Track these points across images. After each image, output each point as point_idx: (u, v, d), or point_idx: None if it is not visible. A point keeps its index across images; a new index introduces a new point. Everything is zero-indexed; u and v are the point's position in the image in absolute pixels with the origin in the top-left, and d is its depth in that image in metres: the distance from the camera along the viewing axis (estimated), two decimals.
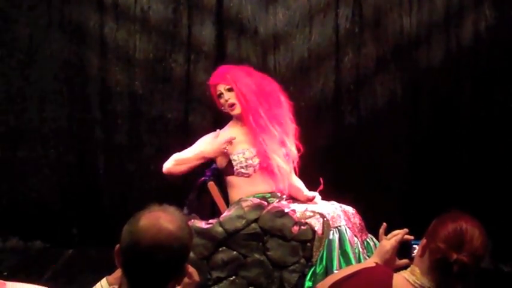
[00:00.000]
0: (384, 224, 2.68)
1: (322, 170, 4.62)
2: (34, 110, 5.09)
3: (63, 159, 5.13)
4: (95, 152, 5.13)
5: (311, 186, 4.12)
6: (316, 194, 4.06)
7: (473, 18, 4.97)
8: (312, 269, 3.71)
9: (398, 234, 2.54)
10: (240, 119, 4.08)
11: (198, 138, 4.98)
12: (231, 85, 4.03)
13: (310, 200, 4.04)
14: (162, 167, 4.67)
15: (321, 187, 4.05)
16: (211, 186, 4.03)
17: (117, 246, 1.95)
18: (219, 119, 4.95)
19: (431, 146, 5.08)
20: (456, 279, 2.20)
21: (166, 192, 4.95)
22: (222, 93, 4.05)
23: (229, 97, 4.03)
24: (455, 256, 2.17)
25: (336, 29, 5.04)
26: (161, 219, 1.92)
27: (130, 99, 5.07)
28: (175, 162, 4.00)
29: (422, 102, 5.10)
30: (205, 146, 4.04)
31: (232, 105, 4.03)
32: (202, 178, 4.13)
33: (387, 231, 2.64)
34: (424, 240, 2.31)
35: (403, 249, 2.53)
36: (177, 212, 1.98)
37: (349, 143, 5.11)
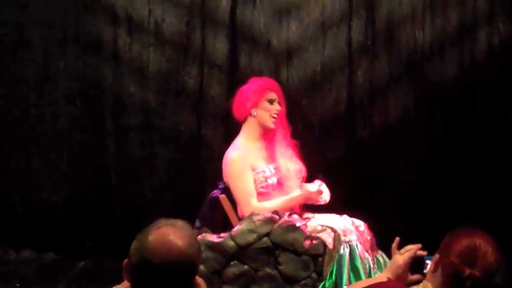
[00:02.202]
0: (397, 238, 2.68)
1: (333, 183, 4.62)
2: (48, 122, 5.12)
3: (76, 171, 5.15)
4: (108, 164, 5.14)
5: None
6: (318, 182, 4.02)
7: (486, 32, 4.96)
8: (322, 284, 3.71)
9: (411, 249, 2.54)
10: (264, 131, 4.05)
11: (211, 151, 5.04)
12: (281, 100, 4.07)
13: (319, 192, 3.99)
14: (173, 178, 4.74)
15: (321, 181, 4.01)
16: (224, 199, 4.03)
17: (126, 260, 1.95)
18: (231, 133, 4.97)
19: (444, 160, 5.05)
20: None
21: (178, 205, 5.00)
22: (275, 100, 4.04)
23: (279, 108, 4.03)
24: (468, 271, 2.18)
25: (349, 42, 5.04)
26: (171, 235, 1.91)
27: (143, 112, 5.09)
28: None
29: (435, 116, 5.08)
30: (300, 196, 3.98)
31: (276, 116, 4.02)
32: (215, 191, 4.13)
33: (400, 246, 2.63)
34: (437, 256, 2.31)
35: (415, 265, 2.52)
36: (185, 227, 1.97)
37: (362, 156, 5.10)
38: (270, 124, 4.04)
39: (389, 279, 2.48)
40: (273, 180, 4.01)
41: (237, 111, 4.12)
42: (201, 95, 5.07)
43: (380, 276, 2.65)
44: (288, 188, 4.08)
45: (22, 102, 5.12)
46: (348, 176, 5.05)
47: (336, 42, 5.05)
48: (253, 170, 3.99)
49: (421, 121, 5.08)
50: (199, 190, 4.81)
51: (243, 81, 4.95)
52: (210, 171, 4.97)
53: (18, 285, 4.57)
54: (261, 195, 4.01)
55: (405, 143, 5.08)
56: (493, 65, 4.98)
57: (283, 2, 5.01)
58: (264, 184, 4.00)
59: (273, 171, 4.03)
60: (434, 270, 2.29)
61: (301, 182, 4.13)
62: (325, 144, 5.00)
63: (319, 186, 3.99)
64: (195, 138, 5.10)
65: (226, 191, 4.09)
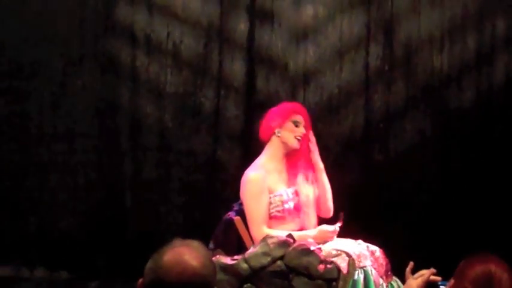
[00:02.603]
0: (411, 263, 2.66)
1: (349, 208, 4.60)
2: (64, 141, 5.14)
3: (91, 191, 5.16)
4: (123, 184, 5.15)
5: (335, 222, 4.08)
6: (337, 228, 4.00)
7: (504, 58, 4.95)
8: None
9: (425, 274, 2.51)
10: (287, 153, 4.05)
11: (226, 173, 5.04)
12: (307, 125, 4.04)
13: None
14: (188, 200, 4.74)
15: (341, 222, 4.00)
16: (238, 221, 4.01)
17: (140, 280, 1.94)
18: (247, 155, 4.98)
19: (461, 186, 5.02)
20: None
21: (192, 227, 5.00)
22: (301, 123, 4.03)
23: (304, 131, 4.02)
24: None
25: (366, 67, 5.05)
26: (185, 255, 1.91)
27: (160, 133, 5.10)
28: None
29: (452, 142, 5.06)
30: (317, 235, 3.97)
31: (301, 139, 4.02)
32: (229, 213, 4.12)
33: (415, 271, 2.61)
34: (451, 281, 2.29)
35: None
36: (201, 248, 1.96)
37: (378, 181, 5.08)
38: (295, 144, 4.02)
39: None
40: (290, 205, 3.98)
41: (262, 131, 4.10)
42: (217, 116, 5.09)
43: None
44: (304, 215, 4.05)
45: (38, 121, 5.15)
46: (363, 200, 5.02)
47: (353, 66, 5.05)
48: (270, 192, 3.96)
49: (437, 146, 5.06)
50: (214, 212, 4.80)
51: (260, 104, 4.99)
52: (225, 193, 4.98)
53: None
54: (276, 219, 3.98)
55: (421, 168, 5.06)
56: (511, 91, 4.95)
57: (301, 25, 5.03)
58: (280, 208, 3.97)
59: (291, 195, 4.00)
60: None
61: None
62: (341, 169, 4.98)
63: (338, 227, 3.98)
64: (210, 160, 5.11)
65: (241, 213, 4.07)
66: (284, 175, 4.05)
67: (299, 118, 4.02)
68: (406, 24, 4.99)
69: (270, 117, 4.05)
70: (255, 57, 5.06)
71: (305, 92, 5.05)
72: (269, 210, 3.95)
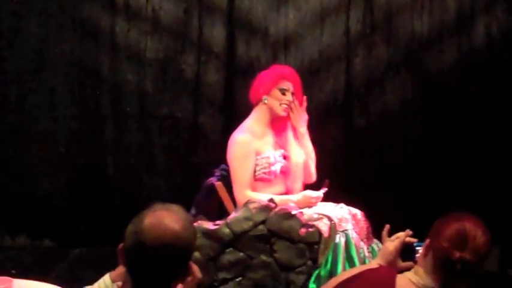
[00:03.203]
0: (387, 225, 2.69)
1: (331, 172, 4.62)
2: (45, 109, 5.11)
3: (72, 158, 5.15)
4: (105, 151, 5.14)
5: (318, 188, 4.10)
6: (320, 194, 4.03)
7: (485, 20, 4.95)
8: (317, 272, 3.71)
9: (401, 236, 2.54)
10: (273, 119, 4.04)
11: (208, 139, 5.05)
12: (297, 91, 4.03)
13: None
14: (170, 165, 4.74)
15: (325, 188, 4.02)
16: (219, 186, 4.02)
17: (121, 244, 1.95)
18: (228, 120, 4.98)
19: (441, 149, 5.06)
20: (460, 278, 2.22)
21: (174, 192, 5.01)
22: (288, 90, 4.01)
23: (291, 98, 4.00)
24: (458, 254, 2.19)
25: (347, 31, 5.03)
26: (165, 219, 1.92)
27: (141, 99, 5.08)
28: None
29: (432, 105, 5.08)
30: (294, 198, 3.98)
31: (287, 106, 4.00)
32: (211, 178, 4.12)
33: (391, 233, 2.64)
34: (427, 240, 2.32)
35: (406, 252, 2.53)
36: (181, 211, 1.98)
37: (359, 145, 5.11)
38: (280, 112, 4.01)
39: (380, 265, 2.49)
40: (277, 167, 3.99)
41: (251, 95, 4.09)
42: (198, 82, 5.07)
43: (371, 263, 2.67)
44: (291, 179, 4.07)
45: (18, 90, 5.11)
46: (344, 164, 5.05)
47: (334, 30, 5.04)
48: (258, 154, 3.96)
49: (418, 109, 5.08)
50: (196, 177, 4.80)
51: (241, 69, 4.98)
52: (207, 158, 4.98)
53: (13, 271, 4.56)
54: (262, 181, 3.99)
55: (402, 131, 5.08)
56: (492, 53, 4.98)
57: None
58: (267, 170, 3.97)
59: (279, 158, 4.00)
60: (425, 254, 2.30)
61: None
62: (322, 133, 4.98)
63: (322, 193, 4.00)
64: (191, 126, 5.10)
65: (223, 178, 4.09)
66: (271, 138, 4.05)
67: (287, 85, 4.00)
68: None
69: (259, 83, 4.03)
70: (235, 22, 5.03)
71: (286, 57, 5.03)
72: (255, 171, 3.95)
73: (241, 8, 5.01)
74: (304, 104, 4.08)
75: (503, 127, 5.00)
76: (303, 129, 4.11)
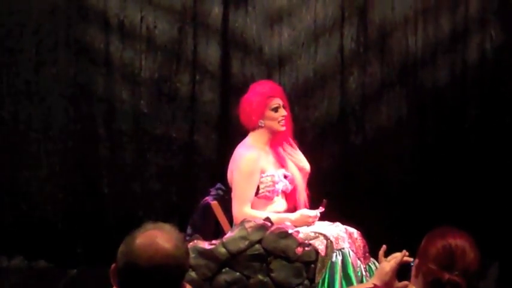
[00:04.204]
0: (384, 246, 2.68)
1: (327, 190, 4.62)
2: (40, 129, 5.10)
3: (68, 178, 5.13)
4: (100, 170, 5.13)
5: (316, 207, 4.09)
6: (317, 213, 4.02)
7: (478, 38, 4.97)
8: None
9: (398, 256, 2.53)
10: (272, 136, 4.05)
11: (203, 158, 5.04)
12: (285, 104, 4.06)
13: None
14: (165, 185, 4.73)
15: (323, 208, 4.01)
16: (215, 205, 4.02)
17: (113, 265, 1.94)
18: (223, 139, 4.98)
19: (437, 166, 5.05)
20: None
21: (170, 212, 4.99)
22: (279, 107, 4.02)
23: (285, 113, 4.02)
24: (447, 276, 2.15)
25: (341, 49, 5.04)
26: (157, 238, 1.91)
27: (135, 118, 5.08)
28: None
29: (428, 122, 5.09)
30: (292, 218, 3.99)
31: (285, 121, 4.02)
32: (207, 198, 4.12)
33: (388, 251, 2.63)
34: (416, 260, 2.29)
35: (402, 271, 2.52)
36: (172, 230, 1.97)
37: (354, 163, 5.10)
38: (280, 128, 4.03)
39: (375, 285, 2.48)
40: (280, 186, 4.00)
41: (245, 122, 4.09)
42: (193, 101, 5.07)
43: (367, 283, 2.66)
44: (292, 197, 4.09)
45: (13, 109, 5.10)
46: (340, 182, 5.05)
47: (328, 49, 5.05)
48: (263, 172, 3.97)
49: (413, 127, 5.08)
50: (191, 197, 4.80)
51: (236, 88, 4.98)
52: (202, 177, 4.98)
53: None
54: (265, 199, 3.99)
55: (398, 149, 5.08)
56: (485, 71, 4.99)
57: (275, 8, 5.01)
58: (271, 189, 3.98)
59: (281, 177, 4.02)
60: (415, 275, 2.28)
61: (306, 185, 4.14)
62: (318, 152, 4.98)
63: (319, 213, 4.00)
64: (187, 145, 5.09)
65: (218, 197, 4.08)
66: (272, 157, 4.06)
67: (276, 101, 4.02)
68: (380, 6, 4.99)
69: (249, 109, 4.02)
70: (229, 41, 5.03)
71: (280, 76, 5.03)
72: (259, 189, 3.96)
73: (236, 27, 5.02)
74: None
75: (498, 143, 5.00)
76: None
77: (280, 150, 4.08)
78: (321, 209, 4.01)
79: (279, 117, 4.00)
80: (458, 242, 2.17)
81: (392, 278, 2.51)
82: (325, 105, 5.08)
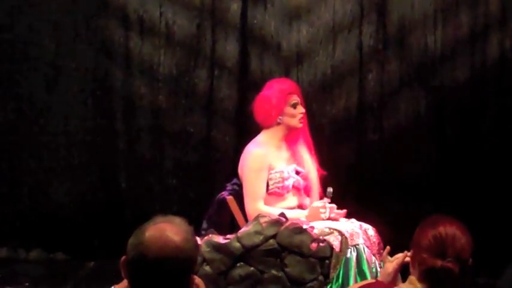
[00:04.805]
0: (388, 247, 2.74)
1: (344, 187, 4.62)
2: (59, 122, 5.15)
3: (86, 172, 5.18)
4: (118, 164, 5.17)
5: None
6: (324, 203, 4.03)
7: (498, 36, 4.93)
8: (328, 287, 3.70)
9: (400, 257, 2.56)
10: (288, 133, 4.06)
11: (220, 153, 5.06)
12: (302, 101, 4.06)
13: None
14: (182, 180, 4.75)
15: (328, 198, 4.01)
16: (231, 200, 4.03)
17: (123, 257, 1.95)
18: (241, 134, 4.99)
19: (456, 164, 5.03)
20: (447, 285, 2.25)
21: (187, 206, 5.01)
22: (298, 103, 4.03)
23: (303, 110, 4.03)
24: (440, 263, 2.21)
25: (360, 46, 5.03)
26: (167, 231, 1.92)
27: (154, 114, 5.11)
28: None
29: (447, 120, 5.06)
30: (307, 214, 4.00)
31: (302, 117, 4.03)
32: (222, 193, 4.13)
33: (403, 250, 2.64)
34: (411, 252, 2.36)
35: (406, 271, 2.53)
36: (182, 223, 1.97)
37: (372, 160, 5.09)
38: (298, 125, 4.03)
39: (377, 280, 2.52)
40: (290, 182, 4.00)
41: (262, 119, 4.07)
42: (211, 97, 5.09)
43: (371, 280, 2.71)
44: (304, 194, 4.09)
45: (33, 103, 5.15)
46: (357, 179, 5.04)
47: (347, 46, 5.04)
48: (271, 168, 3.97)
49: (431, 125, 5.06)
50: (208, 192, 4.82)
51: (253, 84, 4.99)
52: (219, 173, 5.00)
53: (27, 284, 4.59)
54: (276, 195, 3.99)
55: (416, 147, 5.07)
56: (505, 69, 4.95)
57: (294, 5, 5.02)
58: (280, 185, 3.98)
59: (292, 173, 4.02)
60: (412, 266, 2.33)
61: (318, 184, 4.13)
62: (336, 148, 4.99)
63: (325, 202, 4.00)
64: (204, 140, 5.11)
65: (234, 192, 4.09)
66: (285, 153, 4.06)
67: (295, 98, 4.03)
68: (399, 2, 4.97)
69: (268, 105, 4.01)
70: (248, 37, 5.05)
71: (298, 72, 5.04)
72: (269, 186, 3.96)
73: (254, 23, 5.04)
74: None
75: None
76: None
77: (296, 146, 4.08)
78: (327, 199, 4.00)
79: (298, 114, 4.01)
80: (448, 229, 2.23)
81: (395, 278, 2.55)
82: (343, 102, 5.07)
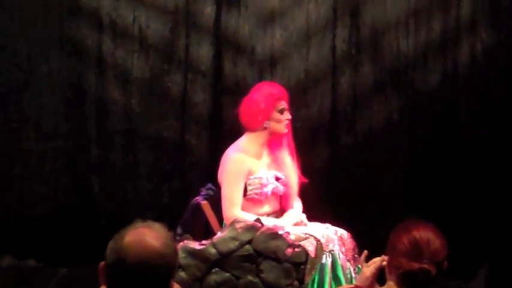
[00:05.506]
0: (365, 251, 2.77)
1: (317, 191, 4.63)
2: (31, 128, 5.09)
3: (58, 177, 5.13)
4: (91, 169, 5.13)
5: (305, 208, 4.11)
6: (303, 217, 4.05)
7: (469, 40, 4.98)
8: None
9: (377, 261, 2.57)
10: (271, 138, 4.04)
11: (194, 158, 5.04)
12: (288, 107, 4.07)
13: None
14: (156, 184, 4.72)
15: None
16: (205, 205, 4.02)
17: (102, 263, 1.94)
18: (214, 139, 4.98)
19: (428, 167, 5.06)
20: (425, 287, 2.29)
21: (160, 211, 4.98)
22: (285, 109, 4.02)
23: (289, 116, 4.03)
24: (417, 266, 2.26)
25: (333, 50, 5.04)
26: (146, 236, 1.91)
27: (127, 118, 5.07)
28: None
29: (419, 124, 5.09)
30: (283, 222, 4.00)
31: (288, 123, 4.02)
32: (197, 197, 4.12)
33: (379, 254, 2.65)
34: (387, 257, 2.41)
35: (383, 275, 2.54)
36: (162, 229, 1.97)
37: (346, 164, 5.10)
38: (283, 130, 4.05)
39: (356, 286, 2.55)
40: (268, 188, 3.99)
41: (247, 122, 4.05)
42: (184, 101, 5.07)
43: (349, 285, 2.73)
44: (284, 201, 4.12)
45: (4, 107, 5.09)
46: (331, 183, 5.05)
47: (320, 49, 5.05)
48: (251, 174, 3.96)
49: (405, 128, 5.08)
50: (182, 197, 4.80)
51: (227, 88, 4.98)
52: (193, 177, 4.98)
53: None
54: (253, 201, 3.99)
55: (389, 149, 5.09)
56: (477, 72, 5.00)
57: (268, 9, 5.01)
58: (259, 191, 3.97)
59: (271, 179, 4.01)
60: (389, 272, 2.38)
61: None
62: (309, 152, 4.99)
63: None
64: (178, 145, 5.09)
65: (209, 197, 4.08)
66: (266, 158, 4.06)
67: (283, 104, 4.03)
68: (372, 7, 4.99)
69: (255, 109, 3.99)
70: (222, 41, 5.03)
71: (272, 76, 5.03)
72: (247, 191, 3.96)
73: (228, 27, 5.02)
74: None
75: (490, 144, 5.01)
76: None
77: (278, 151, 4.07)
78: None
79: (284, 120, 4.01)
80: (422, 233, 2.30)
81: (373, 282, 2.58)
82: (317, 105, 5.08)
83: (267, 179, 3.98)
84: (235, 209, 3.91)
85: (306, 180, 4.21)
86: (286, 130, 4.04)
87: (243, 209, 3.95)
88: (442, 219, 4.74)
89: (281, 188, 4.05)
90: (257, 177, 3.96)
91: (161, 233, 1.95)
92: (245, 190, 3.95)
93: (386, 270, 2.40)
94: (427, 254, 2.26)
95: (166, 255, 1.92)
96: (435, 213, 4.84)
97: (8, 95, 5.08)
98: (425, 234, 2.29)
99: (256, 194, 3.96)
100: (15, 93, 5.07)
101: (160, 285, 1.93)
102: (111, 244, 1.93)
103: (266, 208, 4.02)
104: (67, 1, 5.00)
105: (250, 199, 3.97)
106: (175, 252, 1.98)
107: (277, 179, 4.04)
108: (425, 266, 2.24)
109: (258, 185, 3.96)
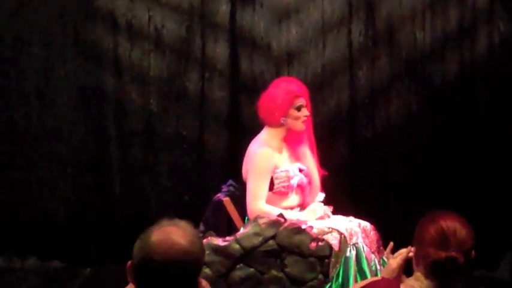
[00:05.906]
0: (391, 243, 2.77)
1: (338, 185, 4.63)
2: (50, 130, 5.12)
3: (79, 178, 5.15)
4: (111, 170, 5.15)
5: (328, 201, 4.11)
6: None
7: (486, 30, 4.96)
8: (328, 286, 3.72)
9: (404, 252, 2.57)
10: (289, 133, 4.05)
11: (213, 155, 5.05)
12: (308, 103, 4.05)
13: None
14: (176, 183, 4.72)
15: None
16: (227, 202, 4.03)
17: (129, 262, 1.95)
18: (233, 136, 4.99)
19: (447, 159, 5.05)
20: (453, 276, 2.29)
21: (182, 210, 5.00)
22: (303, 106, 4.02)
23: (307, 113, 4.03)
24: (444, 255, 2.25)
25: (349, 44, 5.04)
26: (173, 234, 1.92)
27: (145, 118, 5.09)
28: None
29: (437, 115, 5.08)
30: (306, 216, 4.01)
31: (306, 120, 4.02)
32: (218, 194, 4.13)
33: (401, 245, 2.65)
34: (414, 248, 2.40)
35: (410, 267, 2.54)
36: (188, 227, 1.98)
37: (365, 157, 5.10)
38: (301, 127, 4.04)
39: (383, 277, 2.54)
40: (295, 181, 4.01)
41: (265, 118, 4.06)
42: (202, 99, 5.07)
43: (375, 278, 2.73)
44: (307, 193, 4.11)
45: (24, 112, 5.12)
46: (352, 177, 5.05)
47: (336, 44, 5.05)
48: (277, 168, 3.97)
49: (423, 120, 5.08)
50: (203, 194, 4.81)
51: (245, 85, 4.99)
52: (213, 175, 4.99)
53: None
54: (280, 194, 4.00)
55: (408, 142, 5.08)
56: (494, 63, 4.98)
57: (283, 5, 5.01)
58: (286, 184, 3.98)
59: (297, 171, 4.02)
60: (416, 263, 2.37)
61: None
62: (329, 147, 4.99)
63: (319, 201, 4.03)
64: (197, 143, 5.10)
65: (230, 194, 4.09)
66: (287, 152, 4.06)
67: (301, 101, 4.02)
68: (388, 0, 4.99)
69: (273, 105, 3.99)
70: (237, 38, 5.04)
71: (289, 72, 5.03)
72: (274, 185, 3.97)
73: (243, 24, 5.03)
74: None
75: (508, 135, 5.00)
76: None
77: (297, 146, 4.08)
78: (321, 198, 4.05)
79: (302, 116, 4.01)
80: (449, 222, 2.30)
81: (399, 274, 2.56)
82: (335, 100, 5.08)
83: (293, 172, 3.99)
84: (259, 202, 3.92)
85: (326, 173, 4.21)
86: (303, 127, 4.02)
87: (270, 202, 3.95)
88: (464, 210, 4.76)
89: (305, 179, 4.06)
90: (283, 171, 3.97)
91: (187, 231, 1.96)
92: (272, 184, 3.95)
93: (414, 261, 2.39)
94: (454, 243, 2.25)
95: (192, 253, 1.93)
96: (457, 204, 4.84)
97: (26, 99, 5.10)
98: (452, 224, 2.28)
99: (284, 187, 3.98)
100: (33, 96, 5.09)
101: (187, 282, 1.94)
102: (138, 243, 1.94)
103: (291, 201, 4.03)
104: (83, 3, 5.02)
105: (277, 192, 3.98)
106: (202, 249, 1.99)
107: (300, 170, 4.05)
108: (453, 254, 2.24)
109: (285, 178, 3.97)
